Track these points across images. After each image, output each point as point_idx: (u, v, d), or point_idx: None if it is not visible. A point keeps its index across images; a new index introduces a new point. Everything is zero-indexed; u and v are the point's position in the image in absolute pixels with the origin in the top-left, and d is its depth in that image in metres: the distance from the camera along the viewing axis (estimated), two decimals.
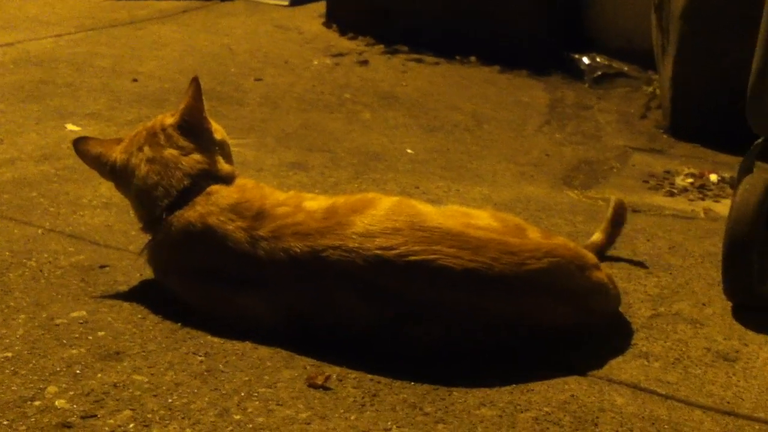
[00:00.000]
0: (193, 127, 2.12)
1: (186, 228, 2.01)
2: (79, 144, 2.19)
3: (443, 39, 4.68)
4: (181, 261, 2.05)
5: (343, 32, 4.96)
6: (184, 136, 2.11)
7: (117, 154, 2.14)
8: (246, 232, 1.96)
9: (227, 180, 2.10)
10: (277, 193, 2.09)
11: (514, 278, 1.88)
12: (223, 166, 2.12)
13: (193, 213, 2.01)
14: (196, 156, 2.09)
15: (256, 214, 1.98)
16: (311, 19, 5.22)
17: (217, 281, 2.00)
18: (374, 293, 1.88)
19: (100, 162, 2.16)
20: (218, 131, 2.19)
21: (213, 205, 2.01)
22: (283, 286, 1.93)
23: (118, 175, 2.14)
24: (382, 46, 4.76)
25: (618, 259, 2.46)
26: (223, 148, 2.17)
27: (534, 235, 2.00)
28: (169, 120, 2.13)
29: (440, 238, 1.88)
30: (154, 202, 2.06)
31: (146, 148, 2.10)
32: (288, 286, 1.93)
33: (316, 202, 2.02)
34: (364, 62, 4.53)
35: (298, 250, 1.91)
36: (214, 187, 2.05)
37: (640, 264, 2.45)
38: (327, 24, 5.10)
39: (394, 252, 1.87)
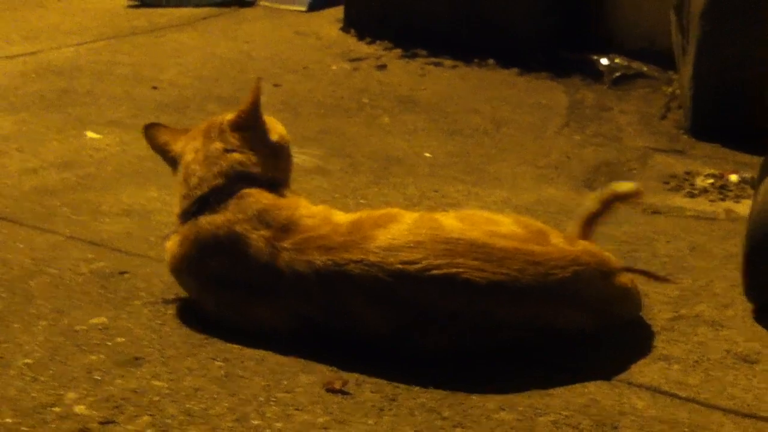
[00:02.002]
0: (243, 125, 2.12)
1: (211, 230, 2.00)
2: (149, 129, 2.20)
3: (461, 42, 4.67)
4: (202, 262, 2.04)
5: (361, 37, 4.96)
6: (234, 132, 2.11)
7: (181, 143, 2.15)
8: (269, 242, 1.95)
9: (267, 183, 2.07)
10: (310, 205, 2.07)
11: (540, 290, 1.87)
12: (264, 169, 2.09)
13: (221, 217, 2.00)
14: (237, 156, 2.08)
15: (283, 225, 1.98)
16: (329, 24, 5.22)
17: (235, 287, 2.00)
18: (396, 307, 1.87)
19: (165, 150, 2.17)
20: (275, 132, 2.18)
21: (241, 212, 2.00)
22: (303, 297, 1.93)
23: (175, 164, 2.15)
24: (400, 50, 4.75)
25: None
26: (277, 152, 2.15)
27: (557, 240, 1.99)
28: (229, 116, 2.15)
29: (464, 251, 1.87)
30: (188, 191, 2.07)
31: (199, 138, 2.12)
32: (308, 298, 1.93)
33: (343, 217, 2.02)
34: (383, 66, 4.52)
35: (320, 263, 1.91)
36: (248, 191, 2.04)
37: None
38: (345, 29, 5.10)
39: (416, 266, 1.86)
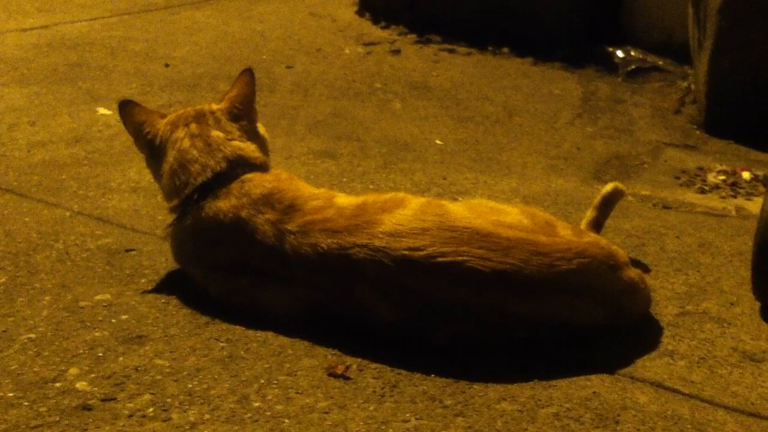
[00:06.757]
0: (241, 115, 2.15)
1: (216, 217, 2.00)
2: (126, 106, 2.17)
3: (476, 29, 4.64)
4: (207, 249, 2.04)
5: (375, 21, 4.95)
6: (231, 121, 2.13)
7: (161, 126, 2.13)
8: (275, 226, 1.95)
9: (263, 169, 2.10)
10: (309, 187, 2.08)
11: (544, 280, 1.86)
12: (260, 155, 2.13)
13: (226, 203, 2.00)
14: (238, 143, 2.10)
15: (288, 207, 1.98)
16: (344, 7, 5.21)
17: (242, 273, 1.99)
18: (400, 293, 1.87)
19: (141, 129, 2.15)
20: (260, 127, 2.22)
21: (245, 196, 2.00)
22: (309, 281, 1.92)
23: (156, 148, 2.13)
24: (414, 35, 4.73)
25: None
26: (263, 142, 2.19)
27: (564, 232, 1.97)
28: (218, 105, 2.16)
29: (469, 239, 1.86)
30: (188, 178, 2.05)
31: (193, 125, 2.11)
32: (313, 282, 1.92)
33: (347, 199, 2.01)
34: (396, 51, 4.51)
35: (325, 247, 1.90)
36: (249, 176, 2.05)
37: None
38: (360, 12, 5.09)
39: (421, 253, 1.85)
